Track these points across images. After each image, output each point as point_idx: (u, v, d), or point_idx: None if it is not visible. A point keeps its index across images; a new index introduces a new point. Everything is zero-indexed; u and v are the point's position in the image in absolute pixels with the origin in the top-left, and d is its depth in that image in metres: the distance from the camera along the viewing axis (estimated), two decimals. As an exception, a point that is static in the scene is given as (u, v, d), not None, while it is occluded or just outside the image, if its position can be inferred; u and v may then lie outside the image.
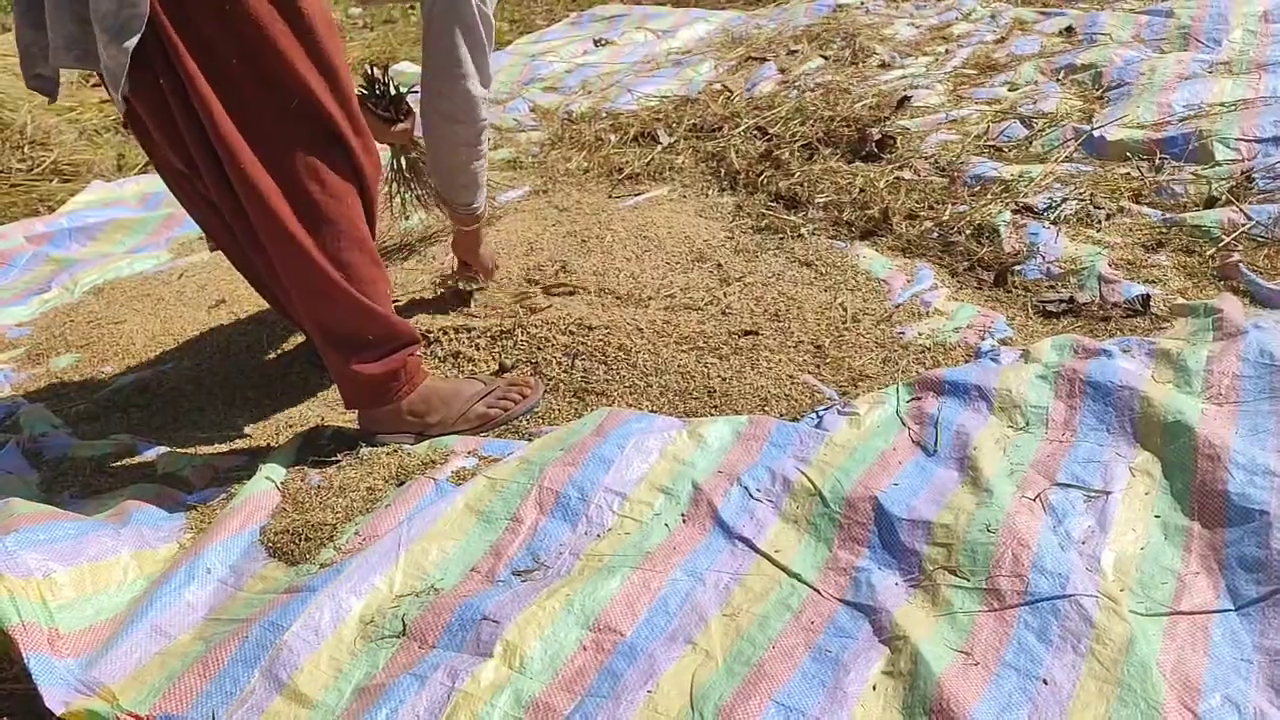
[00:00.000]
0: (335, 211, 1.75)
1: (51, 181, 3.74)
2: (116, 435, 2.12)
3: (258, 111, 1.64)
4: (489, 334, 2.24)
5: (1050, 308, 2.21)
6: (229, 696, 1.43)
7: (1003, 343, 2.09)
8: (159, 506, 1.85)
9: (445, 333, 2.27)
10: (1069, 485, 1.60)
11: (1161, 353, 1.90)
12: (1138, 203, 2.61)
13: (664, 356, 2.11)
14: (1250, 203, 2.45)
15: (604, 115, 3.79)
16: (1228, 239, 2.33)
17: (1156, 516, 1.56)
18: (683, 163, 3.17)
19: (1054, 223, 2.52)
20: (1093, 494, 1.58)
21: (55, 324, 2.67)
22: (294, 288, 1.80)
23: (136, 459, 2.03)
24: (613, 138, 3.50)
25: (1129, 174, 2.77)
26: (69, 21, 1.56)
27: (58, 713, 1.43)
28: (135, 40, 1.52)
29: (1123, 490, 1.61)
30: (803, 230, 2.66)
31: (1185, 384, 1.80)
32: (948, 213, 2.62)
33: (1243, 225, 2.36)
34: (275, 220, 1.70)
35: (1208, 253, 2.31)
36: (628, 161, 3.25)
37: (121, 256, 3.08)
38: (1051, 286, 2.29)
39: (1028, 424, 1.79)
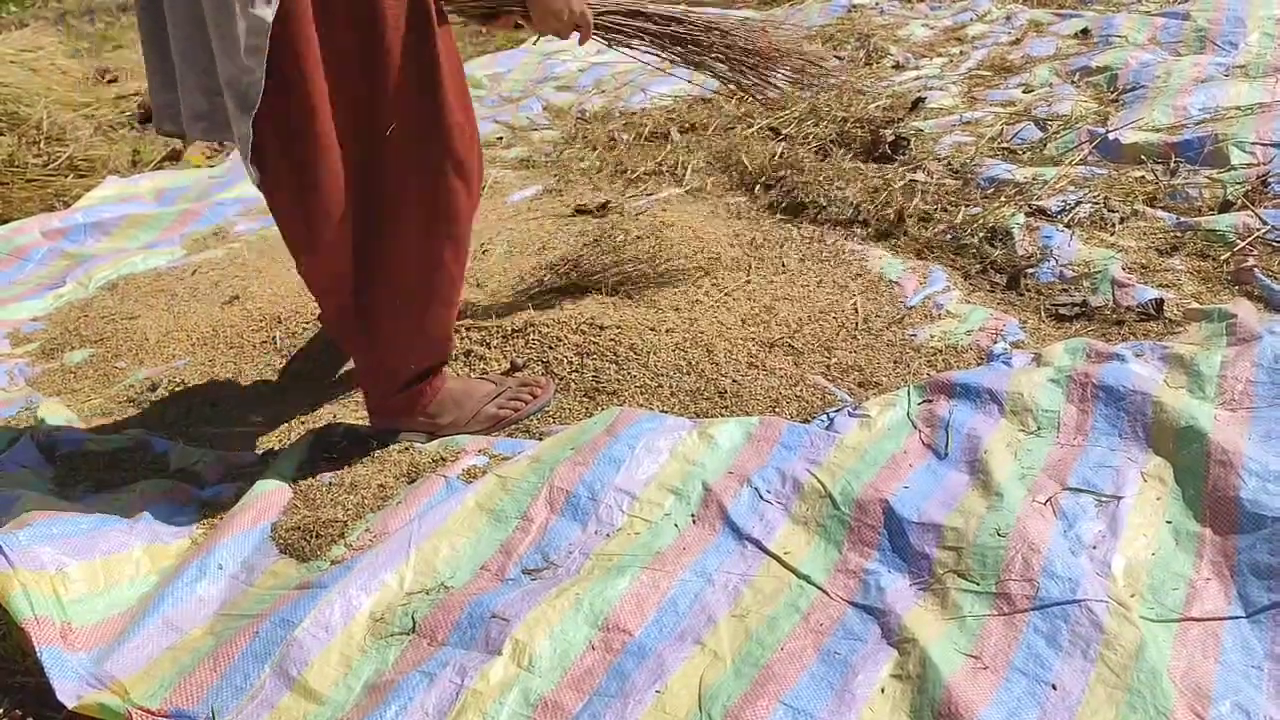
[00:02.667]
0: (466, 230, 1.81)
1: (67, 177, 3.75)
2: (130, 431, 2.13)
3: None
4: (501, 332, 2.24)
5: (1063, 311, 2.20)
6: (239, 691, 1.44)
7: (1015, 346, 2.08)
8: (171, 502, 1.86)
9: (457, 331, 2.27)
10: (1080, 490, 1.60)
11: (1175, 358, 1.89)
12: (1152, 206, 2.60)
13: (675, 356, 2.11)
14: (1265, 207, 2.44)
15: (617, 114, 3.80)
16: (1242, 244, 2.32)
17: (1168, 522, 1.56)
18: (696, 163, 3.17)
19: (1068, 226, 2.52)
20: (1104, 499, 1.58)
21: (70, 319, 2.68)
22: (404, 290, 1.80)
23: (149, 454, 2.04)
24: (626, 137, 3.50)
25: (1144, 177, 2.76)
26: (198, 94, 1.59)
27: (70, 706, 1.44)
28: (253, 112, 1.54)
29: (1134, 495, 1.60)
30: (815, 231, 2.65)
31: (1198, 389, 1.80)
32: (961, 215, 2.62)
33: (1258, 230, 2.35)
34: (408, 227, 1.74)
35: (1222, 257, 2.30)
36: (641, 161, 3.25)
37: (136, 252, 3.09)
38: (1065, 290, 2.28)
39: (1039, 428, 1.79)
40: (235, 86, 1.53)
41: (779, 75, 2.16)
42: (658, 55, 2.08)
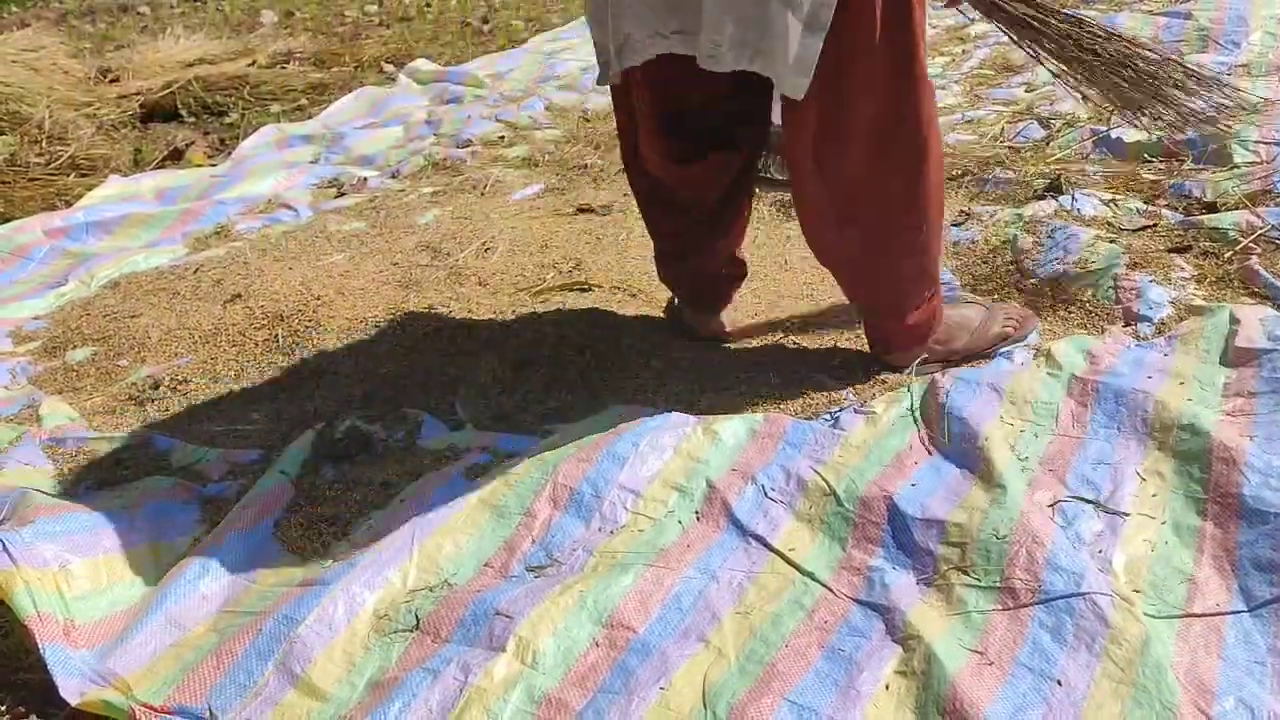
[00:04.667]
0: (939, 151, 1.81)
1: (69, 176, 3.76)
2: (133, 428, 2.13)
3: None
4: (503, 330, 2.24)
5: (1065, 310, 2.20)
6: (243, 689, 1.44)
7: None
8: (174, 500, 1.86)
9: (459, 327, 2.27)
10: (1079, 499, 1.59)
11: (1179, 359, 1.89)
12: (1155, 204, 2.60)
13: (678, 354, 2.11)
14: (1269, 205, 2.43)
15: (620, 113, 3.80)
16: (1245, 241, 2.32)
17: (1166, 520, 1.55)
18: (698, 161, 3.16)
19: (1073, 221, 2.51)
20: (1103, 509, 1.57)
21: (72, 317, 2.68)
22: (881, 227, 1.82)
23: (152, 452, 2.03)
24: (628, 136, 3.50)
25: (1146, 175, 2.76)
26: (728, 18, 1.57)
27: (73, 703, 1.44)
28: (827, 29, 1.56)
29: (1133, 493, 1.60)
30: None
31: (1201, 391, 1.79)
32: (963, 210, 2.61)
33: (1260, 228, 2.35)
34: (911, 153, 1.74)
35: (1225, 255, 2.29)
36: (643, 160, 3.25)
37: (138, 250, 3.09)
38: (1068, 286, 2.27)
39: (1037, 419, 1.79)
40: (801, 7, 1.54)
41: (1191, 106, 2.05)
42: (1027, 46, 1.97)
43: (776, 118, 1.90)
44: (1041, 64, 1.99)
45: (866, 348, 2.08)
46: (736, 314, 2.25)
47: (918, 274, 1.92)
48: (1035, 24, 1.93)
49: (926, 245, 1.88)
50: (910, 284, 1.93)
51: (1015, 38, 1.96)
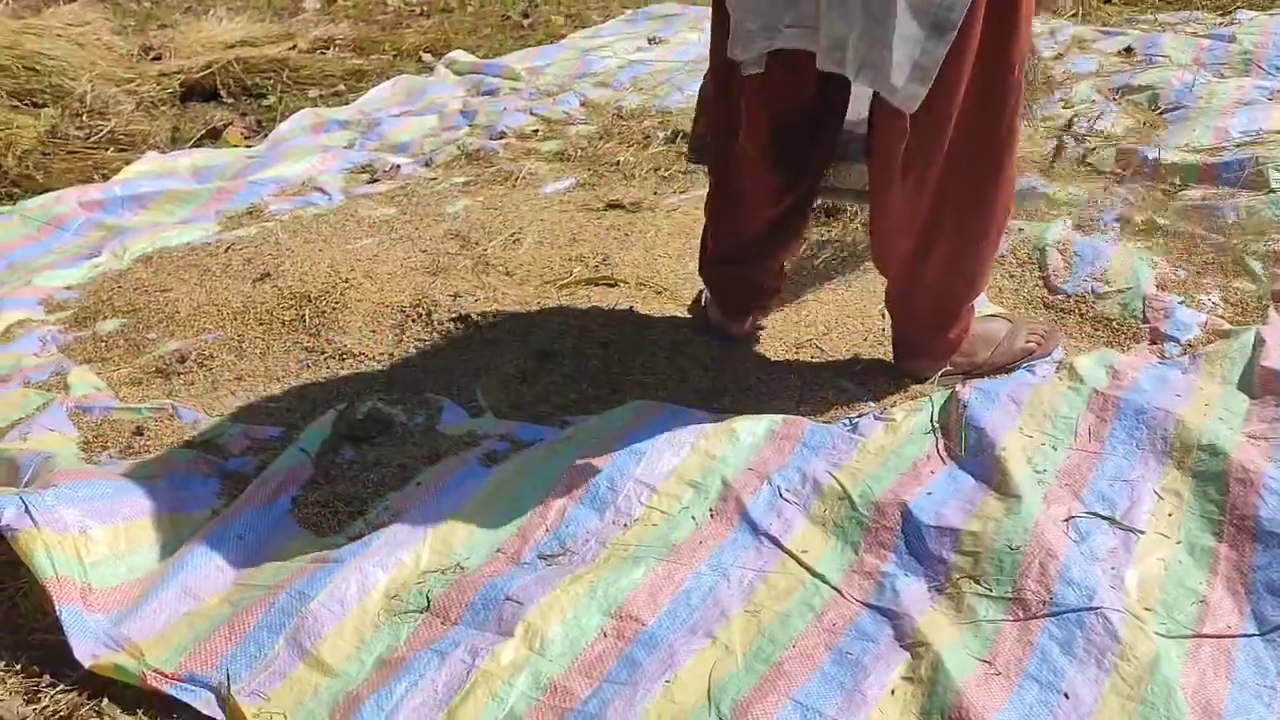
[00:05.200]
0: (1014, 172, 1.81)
1: (108, 150, 3.79)
2: (157, 400, 2.15)
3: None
4: (528, 320, 2.25)
5: (1092, 327, 2.19)
6: (253, 660, 1.45)
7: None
8: (195, 472, 1.87)
9: (484, 316, 2.28)
10: (1094, 515, 1.58)
11: (1203, 379, 1.88)
12: (1189, 224, 2.58)
13: (701, 351, 2.12)
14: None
15: (654, 112, 3.80)
16: (1277, 266, 2.30)
17: (1181, 540, 1.55)
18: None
19: (1100, 237, 2.50)
20: (1118, 526, 1.56)
21: (104, 289, 2.71)
22: (959, 242, 1.82)
23: (175, 424, 2.06)
24: (661, 135, 3.50)
25: (1181, 196, 2.74)
26: (841, 24, 1.56)
27: (86, 665, 1.46)
28: (954, 34, 1.53)
29: (1149, 511, 1.59)
30: (848, 236, 2.65)
31: (1223, 417, 1.78)
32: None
33: (1293, 253, 2.34)
34: (998, 168, 1.75)
35: (1257, 277, 2.28)
36: (675, 160, 3.26)
37: (171, 226, 3.12)
38: (1096, 302, 2.27)
39: (1056, 432, 1.78)
40: (928, 11, 1.51)
41: None
42: None
43: (850, 122, 1.90)
44: None
45: (887, 355, 2.08)
46: (771, 319, 2.25)
47: (973, 287, 1.93)
48: None
49: (989, 258, 1.89)
50: (965, 296, 1.93)
51: None
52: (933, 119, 1.64)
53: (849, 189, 2.02)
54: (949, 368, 1.99)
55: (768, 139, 1.83)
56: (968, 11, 1.53)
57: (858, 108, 1.86)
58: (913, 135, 1.67)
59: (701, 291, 2.25)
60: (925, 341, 1.99)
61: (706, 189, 2.87)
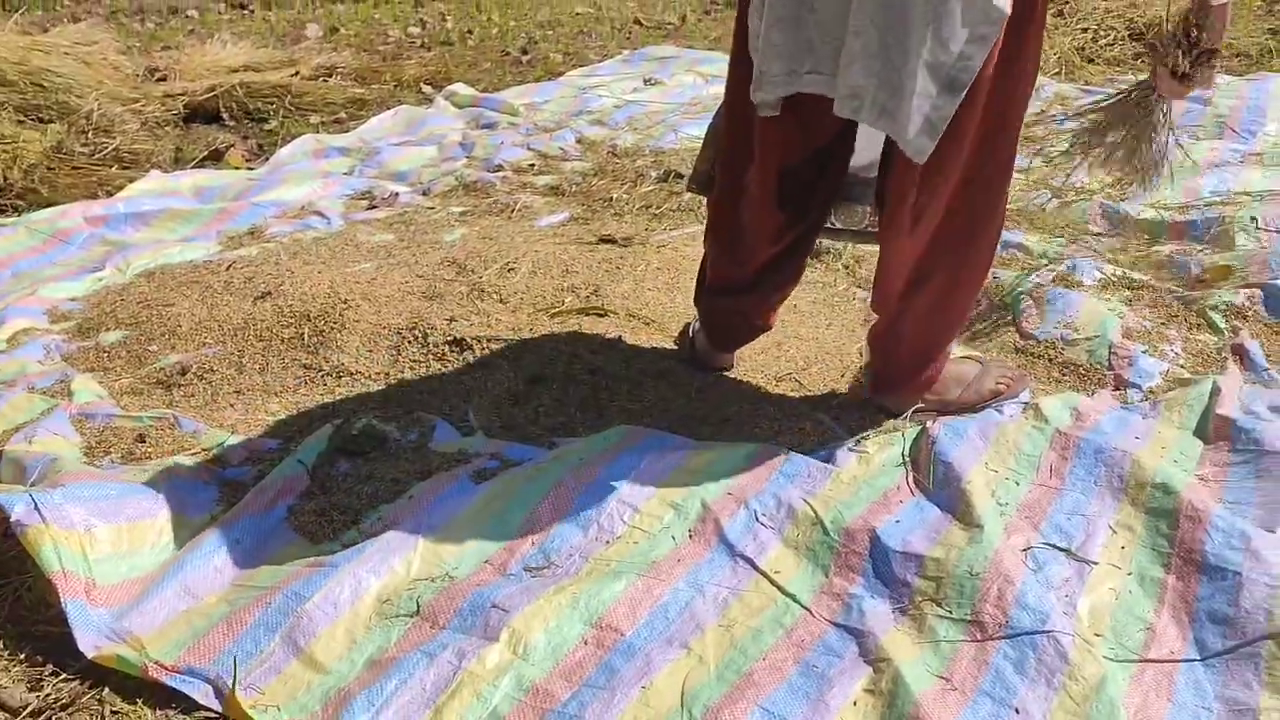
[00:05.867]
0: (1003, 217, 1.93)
1: (112, 168, 3.88)
2: (158, 409, 2.22)
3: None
4: (521, 347, 2.34)
5: (1060, 371, 2.29)
6: (249, 655, 1.53)
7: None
8: (195, 478, 1.95)
9: (478, 340, 2.36)
10: (1051, 546, 1.68)
11: (1161, 423, 1.98)
12: (1157, 278, 2.69)
13: (685, 381, 2.21)
14: (1264, 288, 2.52)
15: (647, 151, 3.91)
16: (1238, 320, 2.41)
17: (1132, 571, 1.64)
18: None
19: (1071, 287, 2.61)
20: (1073, 557, 1.65)
21: (106, 302, 2.79)
22: (948, 283, 1.91)
23: (176, 433, 2.13)
24: (653, 174, 3.61)
25: (1151, 251, 2.86)
26: (862, 73, 1.64)
27: (89, 656, 1.53)
28: (964, 92, 1.62)
29: (1103, 545, 1.69)
30: (830, 277, 2.75)
31: (1177, 460, 1.88)
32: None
33: (1253, 307, 2.45)
34: (992, 215, 1.86)
35: (1218, 330, 2.38)
36: (666, 198, 3.36)
37: (174, 244, 3.20)
38: (1064, 348, 2.36)
39: (1019, 468, 1.88)
40: (941, 70, 1.60)
41: None
42: None
43: (855, 165, 1.99)
44: None
45: (863, 390, 2.17)
46: (745, 349, 2.34)
47: (956, 327, 2.05)
48: None
49: (972, 302, 2.01)
50: (945, 337, 2.04)
51: None
52: (940, 168, 1.73)
53: (849, 230, 2.12)
54: (922, 404, 2.08)
55: (775, 179, 1.92)
56: (986, 68, 1.63)
57: (864, 151, 1.96)
58: (921, 185, 1.77)
59: (689, 324, 2.35)
60: (902, 378, 2.08)
61: (699, 225, 2.97)
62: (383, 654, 1.53)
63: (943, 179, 1.76)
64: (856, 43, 1.63)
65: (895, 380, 2.09)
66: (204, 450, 2.07)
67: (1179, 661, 1.47)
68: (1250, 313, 2.45)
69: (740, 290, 2.12)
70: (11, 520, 1.65)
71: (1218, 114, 4.01)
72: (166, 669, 1.50)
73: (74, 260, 3.12)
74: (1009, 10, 1.58)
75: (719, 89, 4.86)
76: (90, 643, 1.54)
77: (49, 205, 3.48)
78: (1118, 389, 2.21)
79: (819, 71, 1.71)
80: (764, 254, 2.05)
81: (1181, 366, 2.26)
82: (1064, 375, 2.29)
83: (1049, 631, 1.47)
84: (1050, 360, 2.35)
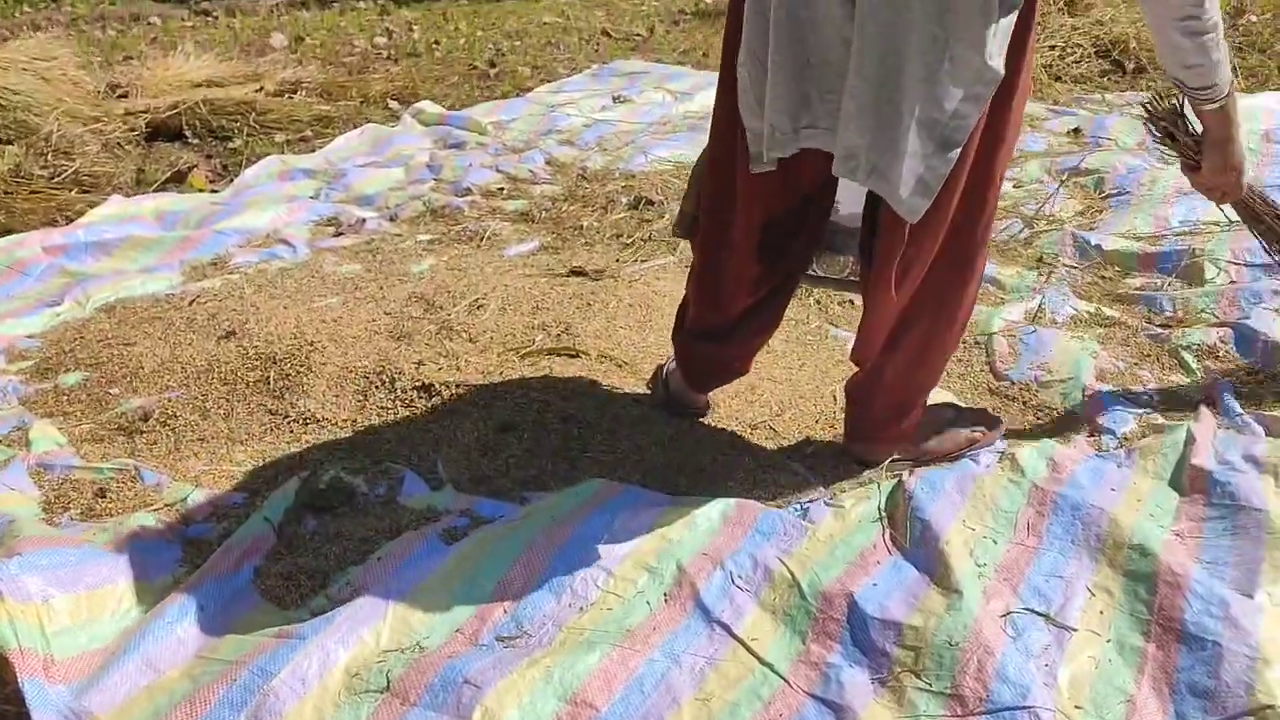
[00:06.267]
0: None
1: (71, 191, 3.80)
2: (119, 460, 2.17)
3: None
4: (490, 391, 2.30)
5: (1035, 415, 2.28)
6: (214, 738, 1.48)
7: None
8: (158, 538, 1.90)
9: (446, 385, 2.33)
10: (1031, 611, 1.66)
11: (1136, 474, 1.98)
12: (1128, 315, 2.69)
13: (658, 429, 2.18)
14: (1235, 325, 2.53)
15: (617, 175, 3.88)
16: (1211, 361, 2.41)
17: (1111, 638, 1.62)
18: (691, 232, 3.25)
19: (1044, 324, 2.61)
20: (1053, 623, 1.64)
21: (66, 339, 2.72)
22: (930, 332, 1.92)
23: (138, 486, 2.08)
24: (624, 200, 3.58)
25: (1122, 284, 2.86)
26: (855, 135, 1.63)
27: (47, 740, 1.48)
28: (958, 151, 1.62)
29: (1081, 609, 1.67)
30: (801, 314, 2.74)
31: (1154, 511, 1.87)
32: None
33: (1225, 347, 2.45)
34: (975, 263, 1.87)
35: (1191, 371, 2.38)
36: (637, 227, 3.34)
37: (135, 275, 3.14)
38: (1039, 390, 2.36)
39: (996, 526, 1.86)
40: (935, 129, 1.60)
41: None
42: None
43: (837, 215, 1.98)
44: None
45: (837, 438, 2.16)
46: (718, 393, 2.31)
47: (935, 377, 2.05)
48: None
49: (951, 352, 2.02)
50: (924, 388, 2.04)
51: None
52: (928, 225, 1.73)
53: (831, 278, 2.10)
54: (897, 455, 2.07)
55: (759, 228, 1.90)
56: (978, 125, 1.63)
57: (847, 202, 1.94)
58: (910, 239, 1.76)
59: (661, 366, 2.32)
60: (880, 429, 2.07)
61: (671, 256, 2.95)
62: (352, 734, 1.50)
63: (930, 235, 1.76)
64: (852, 103, 1.62)
65: (873, 432, 2.07)
66: (167, 505, 2.03)
67: (1160, 738, 1.45)
68: (1222, 353, 2.46)
69: (720, 336, 2.10)
70: (-35, 595, 1.60)
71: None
72: (127, 754, 1.46)
73: (31, 293, 3.05)
74: (1003, 72, 1.57)
75: (687, 107, 4.86)
76: (49, 725, 1.49)
77: (6, 233, 3.41)
78: (1092, 434, 2.20)
79: (816, 126, 1.70)
80: (743, 302, 2.04)
81: (1155, 411, 2.26)
82: (1039, 419, 2.28)
83: (1030, 707, 1.45)
84: (1024, 404, 2.34)
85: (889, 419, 2.04)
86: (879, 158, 1.63)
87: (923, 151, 1.61)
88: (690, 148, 4.11)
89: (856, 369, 2.05)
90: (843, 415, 2.22)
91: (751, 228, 1.90)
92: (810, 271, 2.07)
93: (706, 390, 2.26)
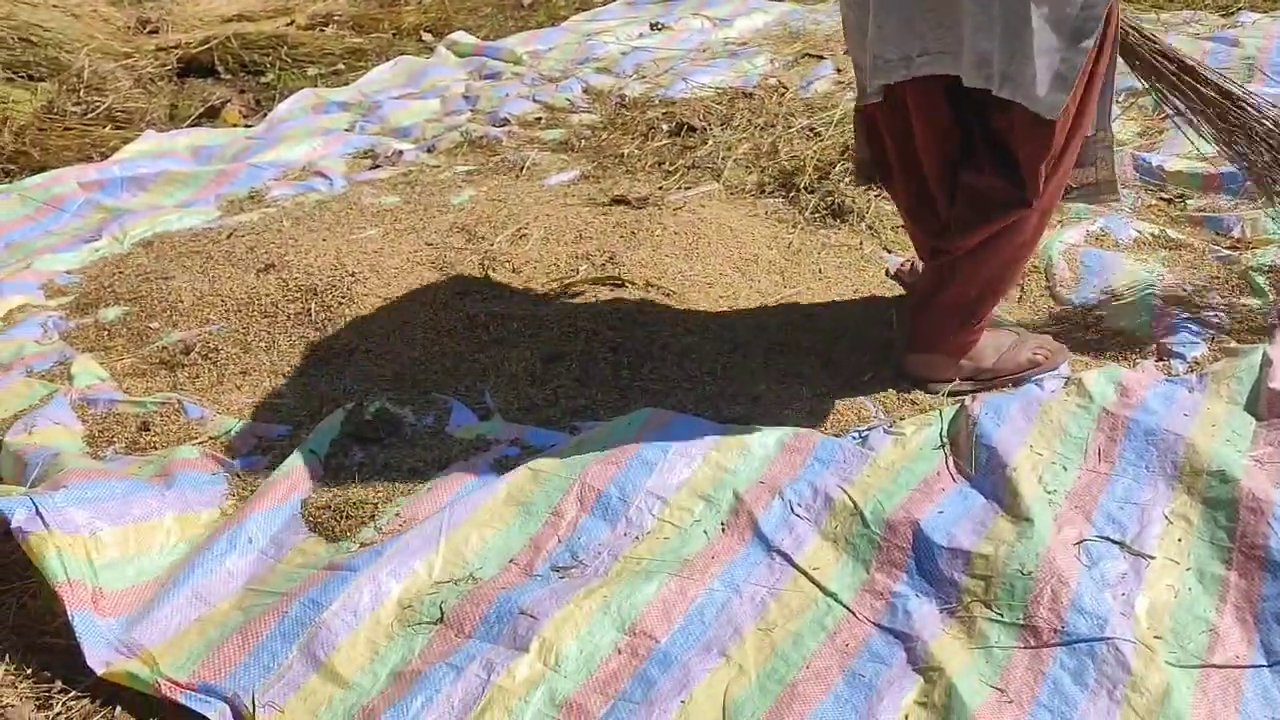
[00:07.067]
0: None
1: (105, 128, 3.76)
2: (162, 394, 2.14)
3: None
4: (535, 321, 2.24)
5: (1098, 340, 2.20)
6: (266, 670, 1.46)
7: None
8: (202, 470, 1.87)
9: (491, 316, 2.27)
10: (1105, 539, 1.60)
11: (1210, 399, 1.90)
12: (1194, 237, 2.59)
13: (710, 358, 2.12)
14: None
15: (657, 102, 3.77)
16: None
17: (1191, 566, 1.56)
18: (735, 160, 3.16)
19: (1106, 247, 2.51)
20: (1129, 551, 1.58)
21: (104, 274, 2.69)
22: (1009, 247, 1.88)
23: (182, 419, 2.05)
24: (665, 127, 3.48)
25: (1186, 206, 2.75)
26: (982, 37, 1.64)
27: (99, 672, 1.46)
28: (1092, 41, 1.63)
29: (1159, 536, 1.61)
30: (854, 239, 2.65)
31: (1230, 439, 1.79)
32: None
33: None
34: (1072, 145, 1.82)
35: (1262, 293, 2.29)
36: (680, 154, 3.25)
37: (171, 210, 3.10)
38: (1101, 316, 2.27)
39: (1066, 452, 1.79)
40: (1065, 24, 1.61)
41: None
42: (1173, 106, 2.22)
43: None
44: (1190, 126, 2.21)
45: (893, 367, 2.08)
46: (772, 320, 2.25)
47: (1007, 283, 2.00)
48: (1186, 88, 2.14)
49: (1033, 244, 1.95)
50: (997, 293, 1.99)
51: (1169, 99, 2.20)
52: (1068, 122, 1.72)
53: (1079, 186, 2.08)
54: (957, 376, 2.00)
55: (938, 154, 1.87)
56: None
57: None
58: (1053, 138, 1.72)
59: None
60: (943, 337, 2.01)
61: (714, 184, 2.88)
62: (407, 665, 1.46)
63: (1071, 130, 1.76)
64: (980, 14, 1.62)
65: (935, 340, 2.01)
66: (211, 439, 2.00)
67: (1246, 668, 1.39)
68: (1292, 272, 2.36)
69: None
70: (12, 527, 1.57)
71: (1245, 55, 3.87)
72: (180, 686, 1.43)
73: (68, 229, 3.02)
74: None
75: (726, 33, 4.73)
76: (100, 658, 1.47)
77: (41, 169, 3.38)
78: (1161, 359, 2.12)
79: (928, 53, 1.71)
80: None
81: (1227, 334, 2.17)
82: (1104, 345, 2.19)
83: (1108, 639, 1.39)
84: (1088, 328, 2.25)
85: (954, 327, 1.98)
86: (1008, 63, 1.63)
87: (1056, 46, 1.61)
88: (731, 74, 4.00)
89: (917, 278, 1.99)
90: (896, 340, 2.14)
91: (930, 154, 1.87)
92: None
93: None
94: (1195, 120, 2.18)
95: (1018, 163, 1.78)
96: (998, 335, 2.07)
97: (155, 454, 1.94)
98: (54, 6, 4.47)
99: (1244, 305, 2.27)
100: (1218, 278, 2.39)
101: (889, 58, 1.72)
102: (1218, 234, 2.61)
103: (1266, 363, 1.97)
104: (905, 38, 1.70)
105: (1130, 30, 2.11)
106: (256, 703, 1.40)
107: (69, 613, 1.50)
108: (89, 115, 3.80)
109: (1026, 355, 2.05)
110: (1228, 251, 2.49)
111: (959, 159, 1.86)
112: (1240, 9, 4.66)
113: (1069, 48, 1.62)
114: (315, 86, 4.27)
